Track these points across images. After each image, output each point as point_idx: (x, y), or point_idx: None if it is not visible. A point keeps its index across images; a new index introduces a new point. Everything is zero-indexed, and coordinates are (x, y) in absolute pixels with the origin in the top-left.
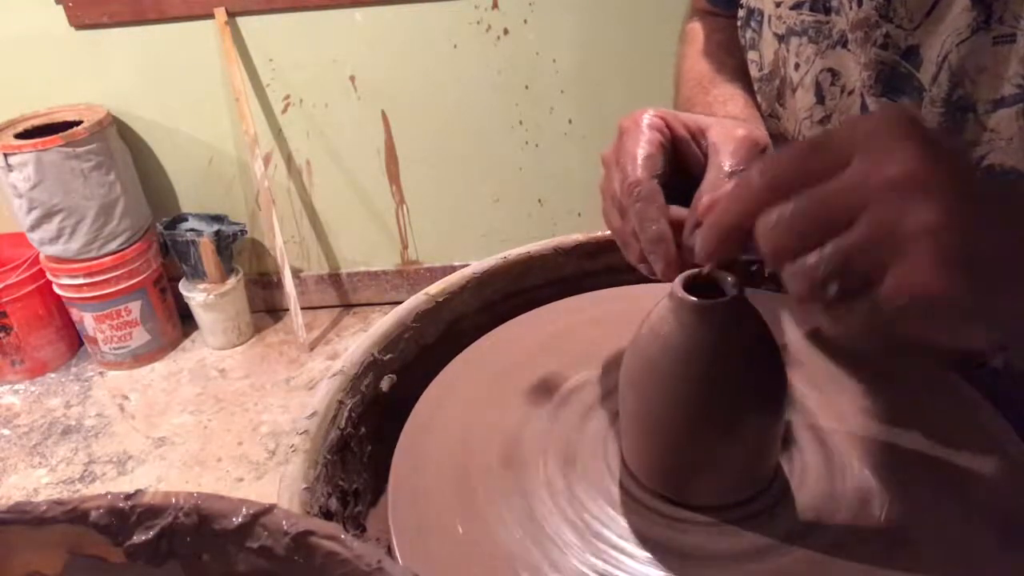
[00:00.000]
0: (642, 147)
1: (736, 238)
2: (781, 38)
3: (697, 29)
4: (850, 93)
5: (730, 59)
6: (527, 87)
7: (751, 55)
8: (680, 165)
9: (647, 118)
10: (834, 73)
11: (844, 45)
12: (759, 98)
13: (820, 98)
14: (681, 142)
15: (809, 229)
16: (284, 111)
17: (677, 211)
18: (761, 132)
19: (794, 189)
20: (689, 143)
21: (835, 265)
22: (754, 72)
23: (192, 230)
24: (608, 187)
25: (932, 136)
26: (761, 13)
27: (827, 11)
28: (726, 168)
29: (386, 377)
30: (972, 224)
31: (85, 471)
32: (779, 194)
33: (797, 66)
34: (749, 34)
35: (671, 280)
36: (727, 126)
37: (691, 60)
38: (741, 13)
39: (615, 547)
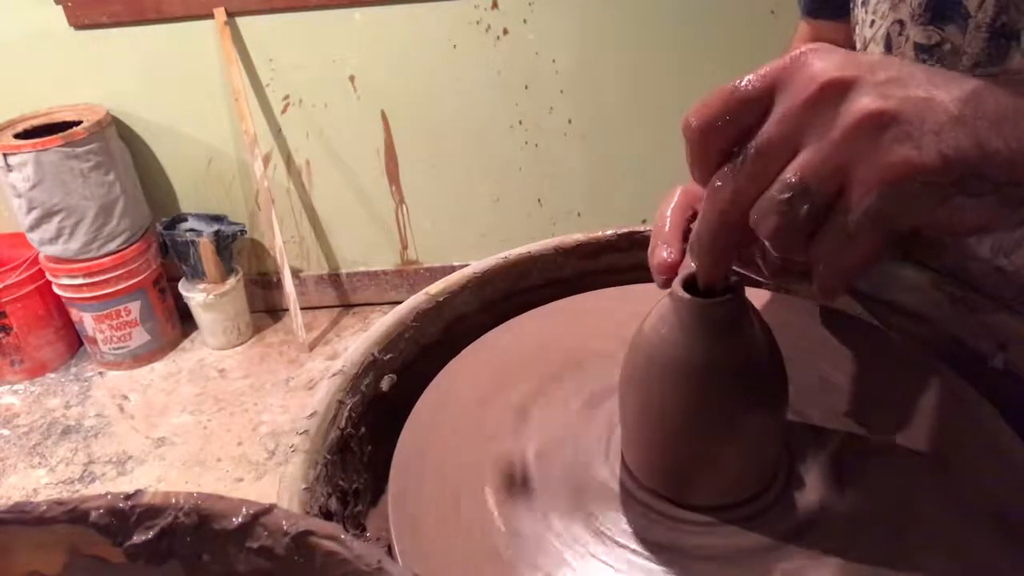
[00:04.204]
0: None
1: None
2: (863, 3)
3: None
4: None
5: None
6: (527, 87)
7: (856, 30)
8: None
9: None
10: (902, 24)
11: None
12: None
13: (888, 48)
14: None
15: (760, 170)
16: (284, 111)
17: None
18: None
19: (731, 148)
20: None
21: (798, 187)
22: (859, 45)
23: (192, 230)
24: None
25: (836, 49)
26: None
27: None
28: None
29: (386, 377)
30: (912, 91)
31: (85, 471)
32: (722, 159)
33: (872, 23)
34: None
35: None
36: None
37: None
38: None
39: (629, 552)
